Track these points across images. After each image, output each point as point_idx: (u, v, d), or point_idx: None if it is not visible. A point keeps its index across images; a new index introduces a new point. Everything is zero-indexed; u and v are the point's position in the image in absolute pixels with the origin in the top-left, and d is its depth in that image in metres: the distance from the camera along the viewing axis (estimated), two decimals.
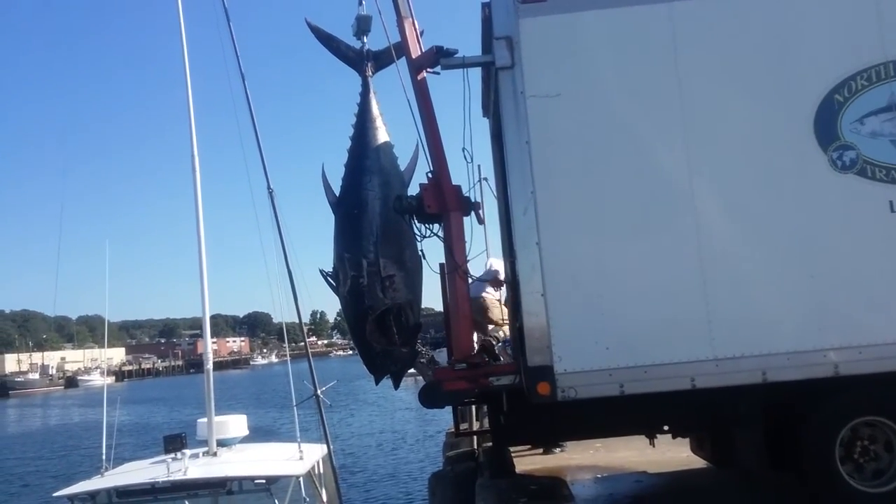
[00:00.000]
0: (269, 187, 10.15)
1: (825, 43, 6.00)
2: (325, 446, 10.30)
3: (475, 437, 9.38)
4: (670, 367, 5.78)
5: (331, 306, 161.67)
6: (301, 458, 10.15)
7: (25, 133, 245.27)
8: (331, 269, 7.36)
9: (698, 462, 7.67)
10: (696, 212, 5.90)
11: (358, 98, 7.82)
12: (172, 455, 9.69)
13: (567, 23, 6.10)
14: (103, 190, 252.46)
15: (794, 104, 5.96)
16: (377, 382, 7.63)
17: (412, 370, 7.86)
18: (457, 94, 6.81)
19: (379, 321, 7.08)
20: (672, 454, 8.07)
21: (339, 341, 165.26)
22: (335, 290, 7.34)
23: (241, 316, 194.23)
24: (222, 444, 10.65)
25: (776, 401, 5.97)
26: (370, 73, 7.84)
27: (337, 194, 7.55)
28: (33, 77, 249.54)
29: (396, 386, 7.70)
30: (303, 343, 11.45)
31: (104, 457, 10.31)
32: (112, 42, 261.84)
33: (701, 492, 7.17)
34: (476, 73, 7.25)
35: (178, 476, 9.25)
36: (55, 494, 10.69)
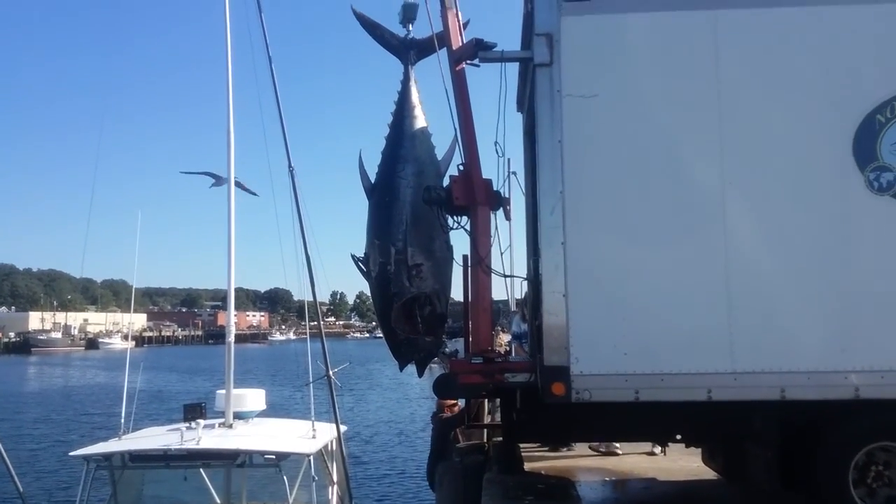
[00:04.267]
0: (289, 165, 10.15)
1: (870, 61, 5.91)
2: (336, 427, 10.36)
3: (486, 431, 9.39)
4: (688, 377, 5.76)
5: (351, 288, 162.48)
6: (314, 437, 10.22)
7: (58, 92, 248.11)
8: (362, 255, 7.42)
9: (708, 473, 7.62)
10: (726, 223, 5.85)
11: (398, 86, 7.85)
12: (188, 424, 9.79)
13: (609, 24, 6.08)
14: (135, 154, 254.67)
15: (835, 121, 5.88)
16: (401, 369, 7.70)
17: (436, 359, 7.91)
18: (493, 87, 6.81)
19: (404, 309, 7.13)
20: (683, 463, 8.04)
21: (357, 323, 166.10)
22: (366, 275, 7.40)
23: (263, 291, 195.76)
24: (239, 416, 10.74)
25: (792, 419, 5.92)
26: (412, 62, 7.86)
27: (373, 181, 7.61)
28: (72, 36, 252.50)
29: (420, 374, 7.76)
30: (322, 322, 11.51)
31: (122, 420, 10.44)
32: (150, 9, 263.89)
33: (709, 503, 7.13)
34: (513, 68, 7.24)
35: (192, 445, 9.35)
36: (71, 454, 10.87)
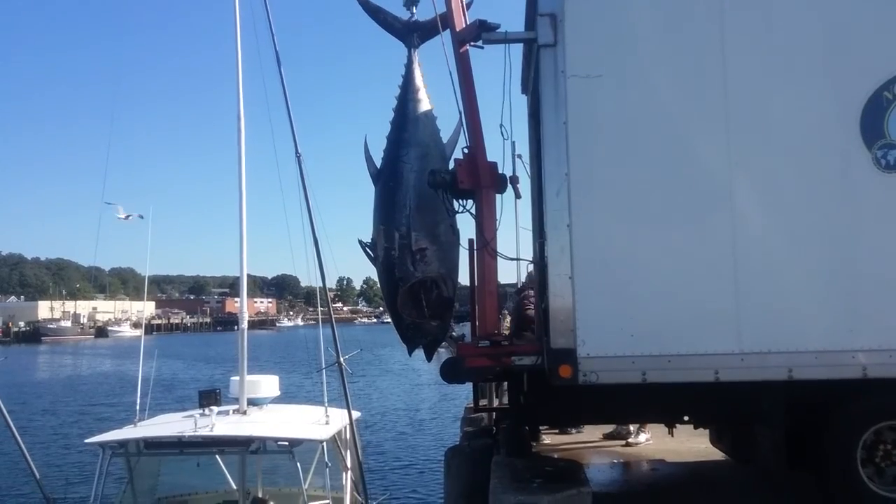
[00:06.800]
0: (296, 152, 10.10)
1: (878, 37, 5.85)
2: (348, 413, 10.40)
3: (493, 414, 9.41)
4: (695, 359, 5.75)
5: (357, 273, 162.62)
6: (327, 423, 10.26)
7: (63, 79, 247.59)
8: (369, 240, 7.43)
9: (716, 454, 7.64)
10: (732, 203, 5.82)
11: (402, 70, 7.82)
12: (202, 411, 9.84)
13: (613, 3, 6.03)
14: (139, 141, 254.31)
15: (842, 98, 5.83)
16: (410, 353, 7.72)
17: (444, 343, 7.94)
18: (498, 69, 6.78)
19: (410, 293, 7.14)
20: (691, 444, 8.06)
21: (365, 308, 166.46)
22: (373, 260, 7.41)
23: (270, 277, 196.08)
24: (253, 403, 10.77)
25: (800, 399, 5.92)
26: (416, 45, 7.82)
27: (378, 166, 7.60)
28: (78, 23, 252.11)
29: (429, 358, 7.77)
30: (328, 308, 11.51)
31: (138, 407, 10.51)
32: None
33: (717, 485, 7.15)
34: (518, 49, 7.19)
35: (205, 432, 9.41)
36: (87, 441, 10.96)
